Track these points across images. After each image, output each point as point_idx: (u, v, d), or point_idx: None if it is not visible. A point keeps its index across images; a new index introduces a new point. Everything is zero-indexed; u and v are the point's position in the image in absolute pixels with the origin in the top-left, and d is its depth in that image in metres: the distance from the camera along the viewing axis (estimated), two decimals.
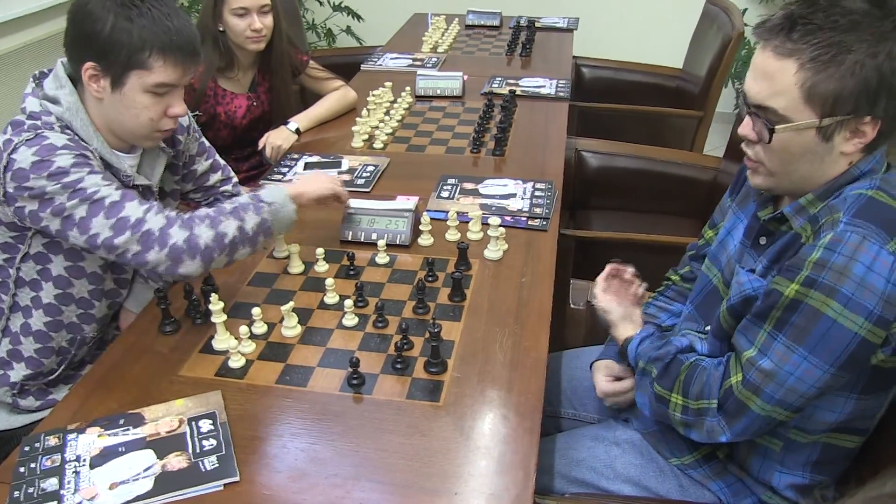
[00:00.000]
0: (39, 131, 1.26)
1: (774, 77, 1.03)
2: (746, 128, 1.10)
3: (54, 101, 1.31)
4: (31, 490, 1.05)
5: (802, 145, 1.04)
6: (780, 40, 1.02)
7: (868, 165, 1.06)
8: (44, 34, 3.26)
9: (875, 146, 1.06)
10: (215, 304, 1.33)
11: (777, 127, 1.04)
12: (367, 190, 1.91)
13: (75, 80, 1.33)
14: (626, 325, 1.34)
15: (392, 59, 2.99)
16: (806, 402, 1.06)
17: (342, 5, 4.29)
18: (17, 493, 1.04)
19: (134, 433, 1.14)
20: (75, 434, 1.14)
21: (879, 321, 0.97)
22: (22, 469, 1.08)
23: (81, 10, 1.27)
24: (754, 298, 1.11)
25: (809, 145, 1.04)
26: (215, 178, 1.65)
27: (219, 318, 1.33)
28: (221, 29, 2.15)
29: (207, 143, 1.64)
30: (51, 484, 1.06)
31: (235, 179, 1.70)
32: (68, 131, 1.31)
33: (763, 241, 1.17)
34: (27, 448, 1.12)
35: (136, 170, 1.44)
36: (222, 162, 1.68)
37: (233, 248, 1.32)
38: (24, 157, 1.22)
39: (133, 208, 1.26)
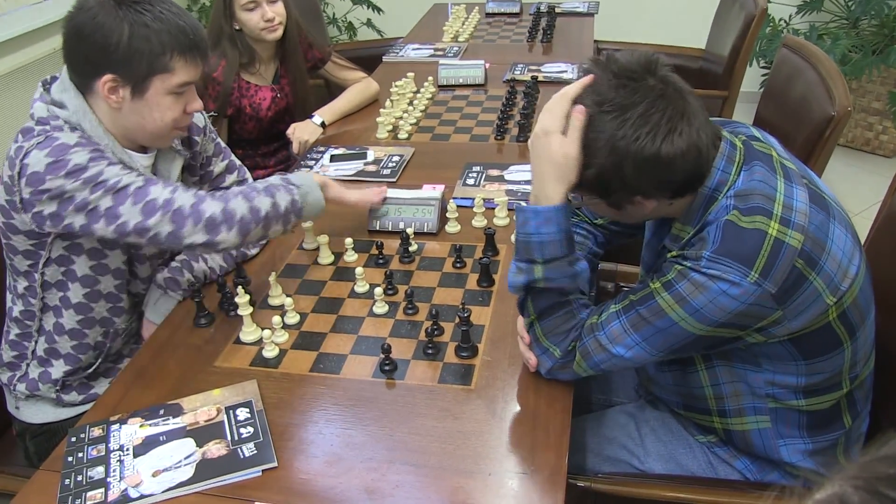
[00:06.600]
0: (49, 133, 1.25)
1: None
2: None
3: (61, 105, 1.31)
4: (79, 478, 1.09)
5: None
6: None
7: (714, 180, 1.09)
8: (49, 50, 3.26)
9: (691, 191, 1.10)
10: (241, 298, 1.35)
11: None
12: (394, 180, 1.93)
13: (81, 88, 1.31)
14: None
15: (413, 49, 3.00)
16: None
17: None
18: (67, 481, 1.08)
19: (174, 423, 1.18)
20: (118, 425, 1.18)
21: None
22: (70, 458, 1.12)
23: (90, 24, 1.24)
24: None
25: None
26: (231, 179, 1.64)
27: (245, 310, 1.35)
28: (237, 27, 2.18)
29: (223, 144, 1.64)
30: (97, 472, 1.09)
31: (251, 180, 1.68)
32: (78, 131, 1.30)
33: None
34: (73, 439, 1.16)
35: (150, 171, 1.43)
36: (238, 163, 1.67)
37: (267, 223, 1.35)
38: (37, 160, 1.22)
39: (159, 191, 1.28)
